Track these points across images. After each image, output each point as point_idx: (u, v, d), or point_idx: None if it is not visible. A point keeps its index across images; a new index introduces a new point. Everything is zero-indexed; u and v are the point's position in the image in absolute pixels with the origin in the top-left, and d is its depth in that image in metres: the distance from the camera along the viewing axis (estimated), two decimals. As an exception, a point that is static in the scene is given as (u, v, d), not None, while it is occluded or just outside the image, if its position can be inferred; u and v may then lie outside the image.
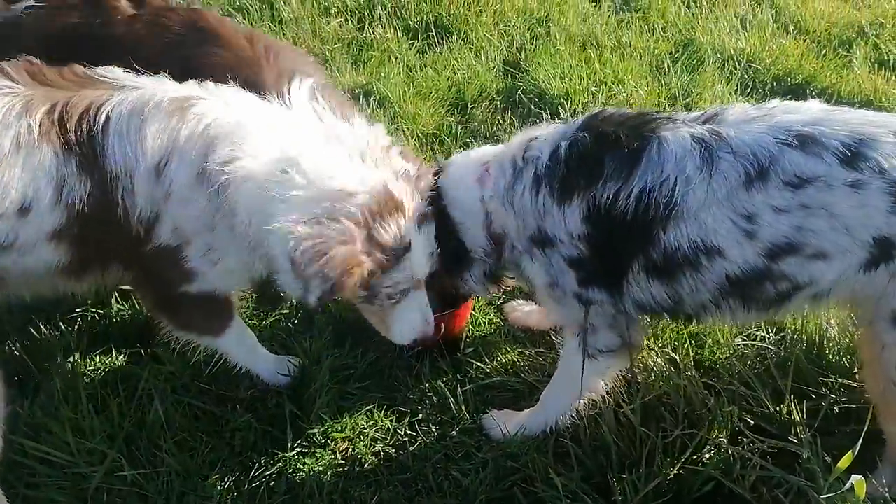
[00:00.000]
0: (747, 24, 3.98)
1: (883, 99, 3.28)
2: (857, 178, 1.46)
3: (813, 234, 1.51)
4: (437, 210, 1.77)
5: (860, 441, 1.48)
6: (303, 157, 1.57)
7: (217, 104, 1.61)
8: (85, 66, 1.65)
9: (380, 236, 1.58)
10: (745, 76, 3.47)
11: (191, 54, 1.96)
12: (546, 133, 1.73)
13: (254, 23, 3.72)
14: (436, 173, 1.86)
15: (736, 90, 3.34)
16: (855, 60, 3.59)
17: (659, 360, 1.97)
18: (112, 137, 1.52)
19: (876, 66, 3.60)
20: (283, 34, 3.66)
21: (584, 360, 1.75)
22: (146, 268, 1.69)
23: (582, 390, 1.80)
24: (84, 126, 1.51)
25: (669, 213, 1.54)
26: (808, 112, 1.56)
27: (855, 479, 1.35)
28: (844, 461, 1.43)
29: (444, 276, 1.88)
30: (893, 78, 3.48)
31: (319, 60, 3.51)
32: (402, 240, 1.63)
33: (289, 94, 1.72)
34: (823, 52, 3.73)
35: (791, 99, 3.22)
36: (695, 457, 1.76)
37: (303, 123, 1.68)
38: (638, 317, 1.75)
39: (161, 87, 1.61)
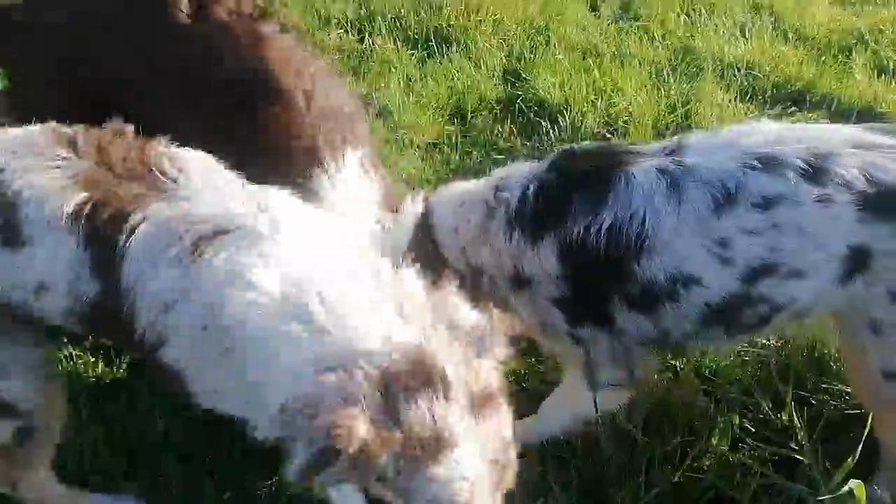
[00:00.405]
0: (746, 32, 4.00)
1: (883, 105, 3.28)
2: (823, 193, 1.47)
3: (787, 253, 1.52)
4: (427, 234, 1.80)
5: (860, 447, 1.47)
6: (325, 289, 1.31)
7: (248, 237, 1.37)
8: (160, 146, 1.50)
9: (403, 414, 1.19)
10: (745, 83, 3.48)
11: (245, 100, 1.83)
12: (515, 173, 1.76)
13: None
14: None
15: (736, 97, 3.35)
16: (855, 67, 3.60)
17: (658, 369, 1.96)
18: (130, 253, 1.39)
19: (876, 72, 3.61)
20: (284, 46, 3.69)
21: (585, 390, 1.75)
22: (152, 365, 1.54)
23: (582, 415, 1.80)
24: (109, 229, 1.40)
25: (641, 245, 1.56)
26: (767, 132, 1.58)
27: (853, 483, 1.34)
28: (844, 468, 1.43)
29: None
30: (893, 84, 3.49)
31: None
32: (436, 429, 1.19)
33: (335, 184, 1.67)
34: (823, 58, 3.74)
35: (792, 105, 3.31)
36: (695, 465, 1.75)
37: (342, 234, 1.50)
38: (639, 350, 1.74)
39: (200, 207, 1.41)
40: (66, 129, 1.50)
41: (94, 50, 1.89)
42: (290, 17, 3.88)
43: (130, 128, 1.53)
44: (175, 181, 1.43)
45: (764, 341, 2.11)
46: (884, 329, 1.55)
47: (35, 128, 1.52)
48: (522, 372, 2.18)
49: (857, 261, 1.51)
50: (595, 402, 1.73)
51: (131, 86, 1.87)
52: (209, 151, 1.58)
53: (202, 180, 1.46)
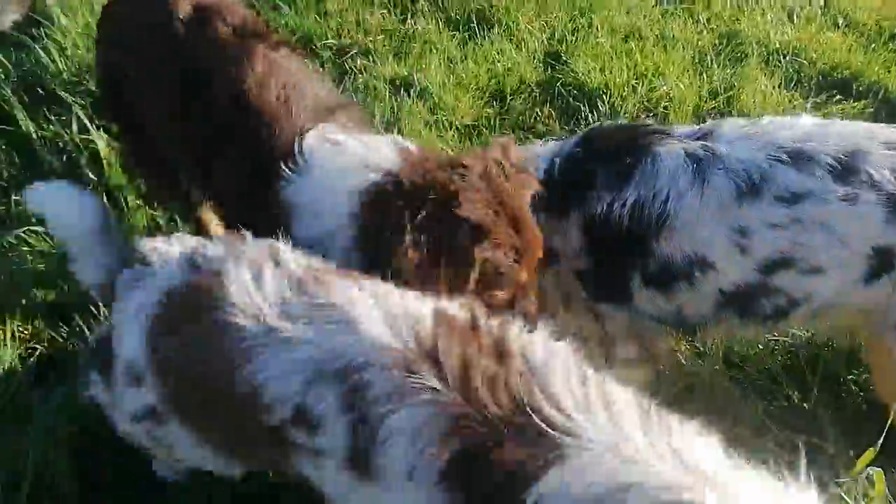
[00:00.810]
0: (794, 17, 3.91)
1: (933, 96, 3.20)
2: (849, 192, 1.47)
3: (807, 248, 1.53)
4: None
5: (882, 437, 1.50)
6: None
7: None
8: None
9: None
10: (790, 70, 3.42)
11: (229, 119, 1.69)
12: (543, 150, 1.79)
13: (301, 14, 3.83)
14: None
15: (780, 84, 3.30)
16: (905, 55, 3.50)
17: (686, 352, 2.00)
18: None
19: (929, 61, 3.51)
20: (329, 26, 3.76)
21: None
22: None
23: None
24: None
25: (662, 225, 1.59)
26: (801, 128, 1.59)
27: (873, 470, 1.38)
28: (867, 456, 1.46)
29: None
30: (946, 74, 3.39)
31: (362, 51, 3.62)
32: None
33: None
34: (872, 45, 3.64)
35: (837, 94, 3.25)
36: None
37: None
38: (654, 327, 1.78)
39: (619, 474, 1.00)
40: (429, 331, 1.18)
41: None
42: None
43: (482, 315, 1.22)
44: (568, 431, 1.02)
45: (794, 331, 2.13)
46: None
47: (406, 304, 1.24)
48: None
49: (883, 262, 1.52)
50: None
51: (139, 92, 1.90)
52: (199, 166, 1.64)
53: (606, 422, 1.04)
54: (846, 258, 1.53)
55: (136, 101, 1.94)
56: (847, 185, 1.49)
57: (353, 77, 3.42)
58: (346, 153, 1.55)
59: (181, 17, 1.74)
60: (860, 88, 3.33)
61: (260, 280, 1.30)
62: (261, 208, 1.59)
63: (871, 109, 3.17)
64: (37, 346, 2.27)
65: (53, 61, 3.29)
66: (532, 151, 1.81)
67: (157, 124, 1.92)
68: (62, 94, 3.10)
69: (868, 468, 1.41)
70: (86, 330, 2.25)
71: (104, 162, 2.77)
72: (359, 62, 3.52)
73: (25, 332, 2.31)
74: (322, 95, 1.78)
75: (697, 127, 1.72)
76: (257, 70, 1.65)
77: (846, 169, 1.49)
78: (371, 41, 3.68)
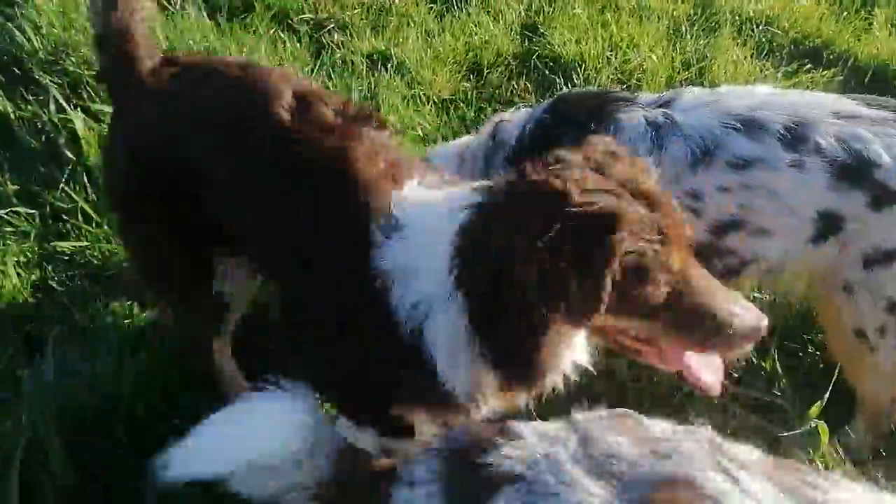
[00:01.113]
0: (770, -15, 3.94)
1: (901, 62, 3.26)
2: (797, 159, 1.54)
3: (756, 212, 1.61)
4: None
5: (827, 393, 1.59)
6: None
7: None
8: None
9: None
10: (763, 39, 3.47)
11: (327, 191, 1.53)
12: (514, 116, 1.87)
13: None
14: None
15: (752, 54, 3.35)
16: (875, 23, 3.55)
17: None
18: None
19: (898, 28, 3.57)
20: (305, 0, 3.74)
21: None
22: None
23: None
24: None
25: None
26: (755, 97, 1.65)
27: (818, 422, 1.47)
28: (814, 410, 1.55)
29: None
30: (915, 40, 3.45)
31: (339, 26, 3.62)
32: None
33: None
34: (844, 13, 3.69)
35: (809, 62, 3.30)
36: (685, 406, 1.89)
37: None
38: None
39: None
40: None
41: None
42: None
43: None
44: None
45: (755, 294, 2.22)
46: (855, 290, 1.64)
47: None
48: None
49: (829, 225, 1.60)
50: None
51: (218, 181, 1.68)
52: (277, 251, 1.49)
53: None
54: (793, 221, 1.61)
55: (197, 191, 1.69)
56: (795, 153, 1.55)
57: (330, 52, 3.43)
58: (436, 205, 1.39)
59: (285, 104, 1.61)
60: (831, 57, 3.39)
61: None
62: (352, 283, 1.41)
63: (841, 78, 3.23)
64: (24, 325, 2.31)
65: (29, 40, 3.27)
66: (497, 121, 1.87)
67: (224, 214, 1.69)
68: (39, 74, 3.10)
69: (814, 421, 1.50)
70: (71, 308, 2.29)
71: (83, 141, 2.78)
72: (336, 37, 3.52)
73: (10, 312, 2.36)
74: (412, 162, 1.64)
75: (659, 95, 1.78)
76: (365, 146, 1.53)
77: (795, 137, 1.56)
78: (348, 15, 3.67)
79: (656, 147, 1.64)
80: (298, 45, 3.46)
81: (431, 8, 3.79)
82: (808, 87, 3.13)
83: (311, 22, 3.65)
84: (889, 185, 1.53)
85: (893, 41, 3.42)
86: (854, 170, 1.54)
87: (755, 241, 1.67)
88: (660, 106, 1.71)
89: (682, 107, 1.68)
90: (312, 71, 3.24)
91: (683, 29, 3.49)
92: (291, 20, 3.62)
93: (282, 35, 3.47)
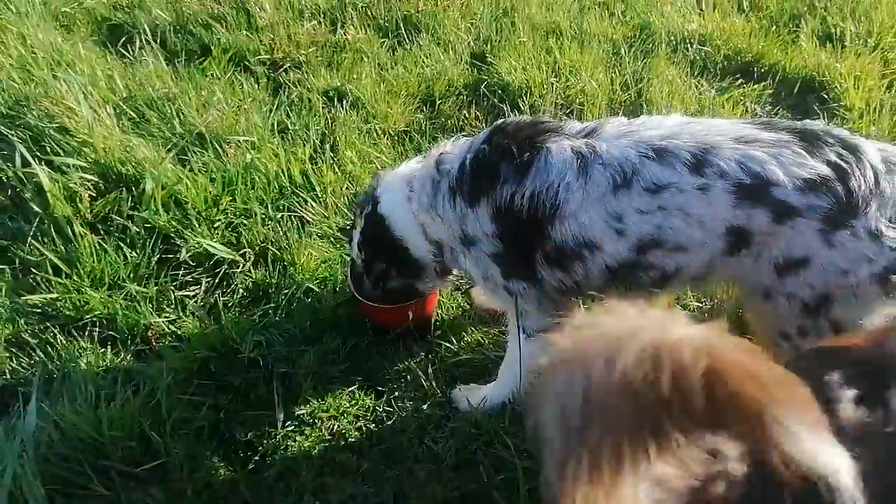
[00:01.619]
0: (703, 4, 4.16)
1: (826, 73, 3.47)
2: (703, 182, 1.71)
3: (671, 231, 1.78)
4: (381, 229, 2.09)
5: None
6: None
7: None
8: None
9: None
10: (697, 58, 3.67)
11: None
12: (455, 147, 2.03)
13: (231, 31, 3.92)
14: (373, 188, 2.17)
15: (687, 73, 3.55)
16: (802, 35, 3.78)
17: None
18: None
19: (823, 40, 3.80)
20: (260, 41, 3.86)
21: (521, 341, 2.03)
22: None
23: (526, 364, 2.07)
24: None
25: (555, 213, 1.83)
26: (667, 127, 1.82)
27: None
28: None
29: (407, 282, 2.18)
30: (839, 51, 3.68)
31: (295, 65, 3.74)
32: None
33: None
34: (774, 27, 3.92)
35: (741, 77, 3.50)
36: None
37: None
38: (561, 298, 2.01)
39: None
40: None
41: None
42: (265, 10, 4.05)
43: None
44: None
45: (697, 304, 2.38)
46: (773, 296, 1.80)
47: None
48: (487, 343, 2.45)
49: (739, 239, 1.76)
50: (524, 345, 2.03)
51: None
52: None
53: None
54: (705, 238, 1.77)
55: None
56: (702, 177, 1.72)
57: (287, 90, 3.55)
58: None
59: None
60: (762, 71, 3.60)
61: None
62: None
63: (771, 91, 3.44)
64: (-3, 378, 2.37)
65: (-11, 95, 3.33)
66: (442, 151, 2.01)
67: None
68: (1, 128, 3.16)
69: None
70: (45, 360, 2.36)
71: (48, 194, 2.85)
72: (292, 76, 3.64)
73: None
74: None
75: (584, 125, 1.94)
76: None
77: (701, 162, 1.72)
78: (303, 54, 3.81)
79: (582, 174, 1.79)
80: (256, 85, 3.58)
81: (384, 42, 3.95)
82: (740, 102, 3.33)
83: (268, 62, 3.77)
84: (787, 201, 1.70)
85: (819, 52, 3.64)
86: (754, 189, 1.70)
87: (674, 256, 1.82)
88: (585, 136, 1.87)
89: (604, 137, 1.84)
90: (271, 111, 3.35)
91: (622, 51, 3.68)
92: (248, 61, 3.75)
93: (239, 77, 3.58)
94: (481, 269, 2.02)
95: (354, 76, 3.61)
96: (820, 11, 3.99)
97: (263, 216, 2.78)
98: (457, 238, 2.01)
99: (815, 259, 1.72)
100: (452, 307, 2.57)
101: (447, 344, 2.42)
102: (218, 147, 3.05)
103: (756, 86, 3.44)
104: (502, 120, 2.06)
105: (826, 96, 3.37)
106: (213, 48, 3.78)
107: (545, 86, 3.42)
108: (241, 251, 2.65)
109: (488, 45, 3.90)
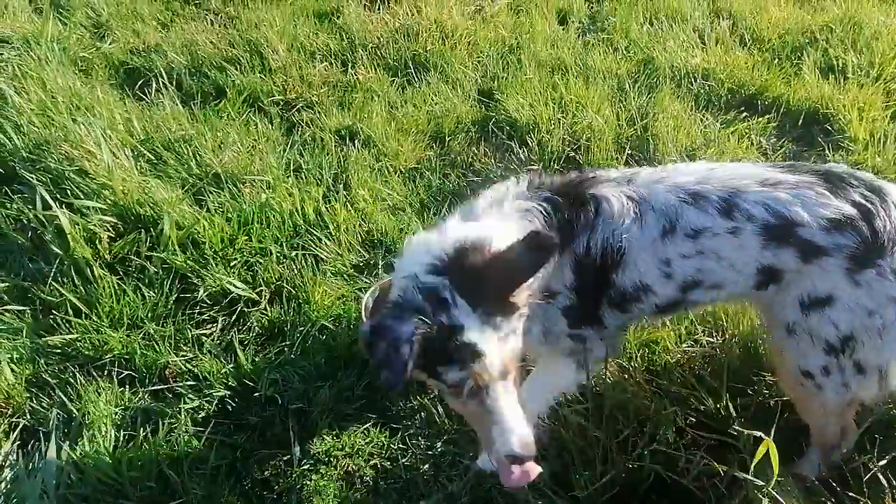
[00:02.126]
0: (706, 38, 4.24)
1: (829, 105, 3.52)
2: (733, 226, 1.77)
3: (709, 272, 1.84)
4: None
5: (773, 429, 1.74)
6: None
7: None
8: None
9: None
10: (701, 92, 3.73)
11: None
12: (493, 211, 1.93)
13: (245, 73, 4.04)
14: None
15: (692, 107, 3.60)
16: (805, 68, 3.84)
17: (612, 369, 2.24)
18: None
19: (826, 71, 3.85)
20: (273, 82, 3.97)
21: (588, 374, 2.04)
22: None
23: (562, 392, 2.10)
24: None
25: (620, 259, 1.86)
26: (696, 172, 1.86)
27: (770, 449, 1.62)
28: (763, 447, 1.70)
29: None
30: (841, 82, 3.74)
31: (307, 105, 3.83)
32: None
33: None
34: (776, 60, 3.98)
35: (745, 111, 3.55)
36: (644, 452, 2.03)
37: None
38: (618, 333, 2.08)
39: None
40: None
41: None
42: (278, 53, 4.17)
43: None
44: None
45: (708, 339, 2.39)
46: (797, 333, 1.83)
47: None
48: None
49: (768, 276, 1.81)
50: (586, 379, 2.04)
51: None
52: None
53: None
54: (738, 277, 1.83)
55: None
56: (731, 220, 1.77)
57: (300, 130, 3.63)
58: None
59: None
60: (765, 103, 3.65)
61: None
62: None
63: (775, 123, 3.49)
64: (19, 419, 2.40)
65: (10, 139, 3.43)
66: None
67: None
68: (22, 172, 3.24)
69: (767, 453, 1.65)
70: (65, 400, 2.40)
71: (69, 236, 2.92)
72: (304, 115, 3.73)
73: (6, 407, 2.45)
74: None
75: (619, 172, 1.97)
76: None
77: (730, 206, 1.77)
78: (315, 94, 3.90)
79: (638, 220, 1.83)
80: (270, 125, 3.66)
81: (394, 81, 4.04)
82: (745, 135, 3.38)
83: (281, 103, 3.87)
84: (813, 240, 1.73)
85: (822, 84, 3.69)
86: (781, 229, 1.74)
87: (711, 293, 1.91)
88: (627, 183, 1.90)
89: (643, 183, 1.88)
90: (285, 150, 3.43)
91: (627, 87, 3.75)
92: (262, 102, 3.85)
93: (253, 118, 3.67)
94: (545, 324, 1.96)
95: (365, 115, 3.69)
96: (822, 44, 4.06)
97: (279, 254, 2.83)
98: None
99: (840, 297, 1.75)
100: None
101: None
102: (233, 187, 3.12)
103: (760, 119, 3.49)
104: (532, 175, 2.01)
105: (830, 128, 3.41)
106: (227, 90, 3.89)
107: (552, 122, 3.48)
108: (257, 289, 2.70)
109: (495, 82, 3.98)
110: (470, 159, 3.45)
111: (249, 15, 4.65)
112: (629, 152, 3.29)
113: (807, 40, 4.15)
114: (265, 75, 4.03)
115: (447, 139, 3.58)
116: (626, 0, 4.91)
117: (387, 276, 2.62)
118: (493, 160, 3.39)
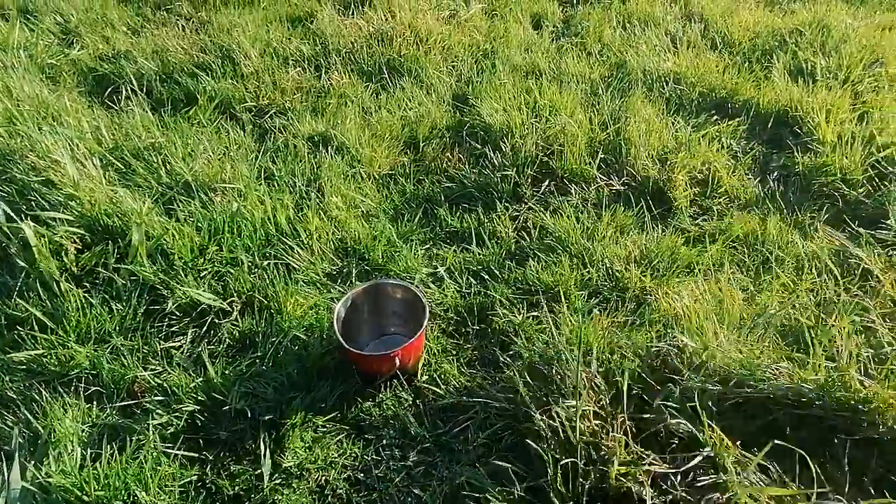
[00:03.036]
0: (678, 42, 4.28)
1: (798, 107, 3.57)
2: None
3: None
4: None
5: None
6: None
7: None
8: None
9: None
10: (673, 95, 3.76)
11: None
12: None
13: (217, 79, 3.99)
14: None
15: (663, 111, 3.63)
16: (775, 71, 3.89)
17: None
18: None
19: (795, 74, 3.90)
20: (246, 88, 3.93)
21: None
22: None
23: None
24: None
25: None
26: None
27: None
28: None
29: None
30: (811, 84, 3.78)
31: (280, 111, 3.80)
32: None
33: None
34: (746, 63, 4.03)
35: (716, 114, 3.58)
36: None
37: None
38: None
39: None
40: None
41: None
42: (251, 59, 4.12)
43: None
44: None
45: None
46: None
47: None
48: (472, 386, 2.46)
49: None
50: None
51: None
52: None
53: None
54: None
55: None
56: None
57: (272, 137, 3.60)
58: None
59: None
60: (735, 106, 3.69)
61: None
62: None
63: (745, 126, 3.52)
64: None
65: (-26, 150, 3.36)
66: None
67: None
68: (-15, 183, 3.17)
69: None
70: (30, 417, 2.34)
71: (34, 249, 2.86)
72: (277, 122, 3.70)
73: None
74: None
75: None
76: None
77: None
78: (288, 100, 3.87)
79: None
80: (242, 132, 3.62)
81: (368, 86, 4.02)
82: (714, 137, 3.41)
83: (254, 109, 3.83)
84: None
85: (791, 87, 3.74)
86: None
87: None
88: None
89: None
90: (257, 157, 3.39)
91: (600, 91, 3.76)
92: (234, 109, 3.80)
93: (225, 125, 3.63)
94: None
95: (339, 121, 3.66)
96: (791, 47, 4.11)
97: (250, 264, 2.79)
98: None
99: None
100: (438, 350, 2.58)
101: (434, 388, 2.43)
102: (204, 196, 3.07)
103: (731, 122, 3.52)
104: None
105: (799, 130, 3.45)
106: (199, 96, 3.84)
107: (526, 126, 3.48)
108: (228, 300, 2.66)
109: (470, 87, 3.98)
110: (444, 165, 3.44)
111: (221, 19, 4.61)
112: (602, 156, 3.30)
113: (776, 43, 4.21)
114: (237, 81, 3.99)
115: (421, 144, 3.57)
116: (599, 4, 4.95)
117: (360, 284, 2.60)
118: (467, 166, 3.38)
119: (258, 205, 3.02)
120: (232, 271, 2.76)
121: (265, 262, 2.80)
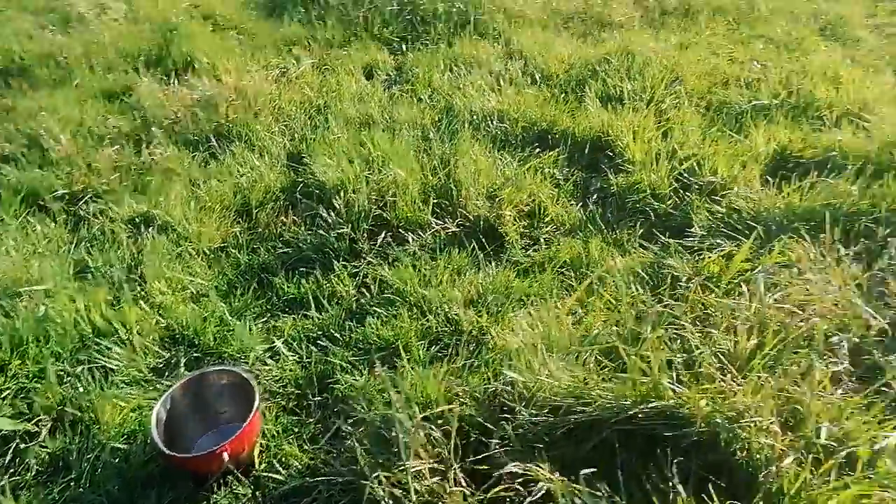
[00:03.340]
0: (501, 80, 4.46)
1: (609, 131, 3.80)
2: None
3: None
4: None
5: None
6: None
7: None
8: None
9: None
10: (498, 133, 3.90)
11: None
12: None
13: (22, 169, 3.68)
14: None
15: (490, 148, 3.74)
16: (587, 99, 4.14)
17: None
18: None
19: (605, 100, 4.18)
20: (56, 175, 3.64)
21: None
22: None
23: None
24: None
25: None
26: None
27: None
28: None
29: None
30: (619, 108, 4.05)
31: (96, 195, 3.55)
32: None
33: None
34: (563, 94, 4.27)
35: (538, 146, 3.74)
36: None
37: None
38: None
39: None
40: None
41: None
42: (60, 143, 3.85)
43: None
44: None
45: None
46: None
47: None
48: (315, 463, 2.34)
49: None
50: None
51: None
52: None
53: None
54: None
55: None
56: None
57: (87, 225, 3.34)
58: None
59: None
60: (555, 137, 3.87)
61: None
62: None
63: (565, 155, 3.71)
64: None
65: None
66: None
67: None
68: None
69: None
70: None
71: None
72: (93, 207, 3.45)
73: None
74: None
75: None
76: None
77: None
78: (105, 182, 3.63)
79: None
80: (53, 224, 3.35)
81: (195, 156, 3.86)
82: (538, 169, 3.55)
83: (66, 196, 3.56)
84: None
85: (602, 113, 3.99)
86: None
87: None
88: None
89: None
90: (69, 250, 3.13)
91: (431, 136, 3.83)
92: (43, 199, 3.51)
93: (32, 219, 3.34)
94: None
95: (162, 198, 3.47)
96: (601, 75, 4.40)
97: (60, 373, 2.54)
98: None
99: None
100: (279, 431, 2.45)
101: (274, 475, 2.29)
102: (6, 303, 2.78)
103: (552, 152, 3.69)
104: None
105: (612, 153, 3.67)
106: (2, 191, 3.51)
107: (359, 180, 3.46)
108: (35, 419, 2.39)
109: (304, 144, 3.93)
110: (279, 230, 3.33)
111: (28, 104, 4.29)
112: (435, 200, 3.33)
113: (589, 73, 4.49)
114: (46, 169, 3.70)
115: (255, 211, 3.45)
116: (427, 49, 5.09)
117: (181, 378, 2.42)
118: (302, 227, 3.30)
119: (69, 304, 2.77)
120: (39, 386, 2.49)
121: (78, 369, 2.56)
